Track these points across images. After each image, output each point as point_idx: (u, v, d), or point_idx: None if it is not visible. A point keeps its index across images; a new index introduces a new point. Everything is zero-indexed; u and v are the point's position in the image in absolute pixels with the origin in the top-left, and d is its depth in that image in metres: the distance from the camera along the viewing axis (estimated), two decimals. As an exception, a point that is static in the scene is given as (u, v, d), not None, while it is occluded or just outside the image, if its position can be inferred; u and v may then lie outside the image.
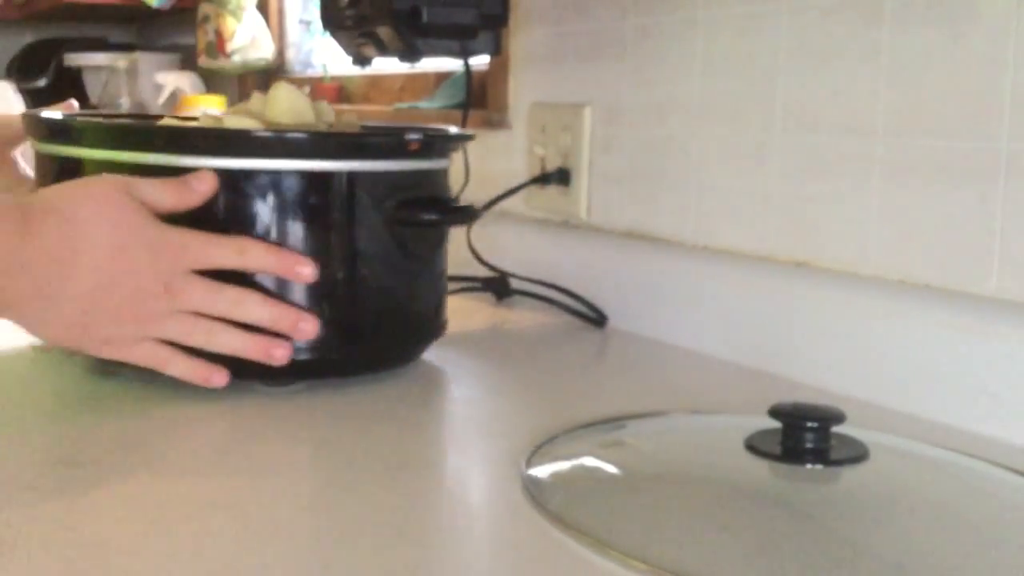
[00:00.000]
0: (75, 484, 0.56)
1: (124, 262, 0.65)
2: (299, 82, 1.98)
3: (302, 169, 0.71)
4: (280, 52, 2.08)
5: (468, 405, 0.74)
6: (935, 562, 0.49)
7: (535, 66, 1.15)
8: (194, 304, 0.67)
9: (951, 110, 0.70)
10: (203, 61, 2.07)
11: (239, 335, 0.69)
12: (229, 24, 1.99)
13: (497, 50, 1.00)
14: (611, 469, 0.59)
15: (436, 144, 0.78)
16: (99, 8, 2.30)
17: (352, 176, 0.73)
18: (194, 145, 0.71)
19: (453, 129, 0.82)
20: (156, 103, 2.19)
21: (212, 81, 2.18)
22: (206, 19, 2.04)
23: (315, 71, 2.01)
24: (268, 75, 2.10)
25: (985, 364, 0.66)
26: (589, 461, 0.60)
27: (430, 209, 0.76)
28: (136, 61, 2.28)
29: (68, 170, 0.73)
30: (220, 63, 2.03)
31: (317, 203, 0.72)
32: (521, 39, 1.16)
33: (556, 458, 0.59)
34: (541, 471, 0.57)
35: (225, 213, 0.70)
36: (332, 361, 0.74)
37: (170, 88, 2.17)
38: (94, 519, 0.51)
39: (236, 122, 0.76)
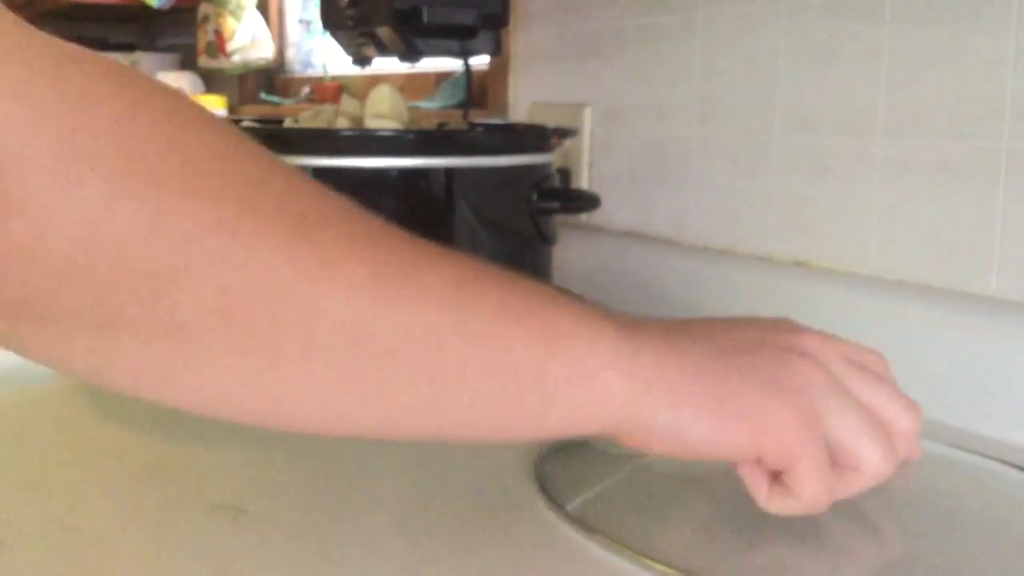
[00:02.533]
0: (75, 484, 0.56)
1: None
2: (299, 82, 1.98)
3: (453, 166, 0.76)
4: (280, 52, 2.08)
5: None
6: (939, 560, 0.49)
7: (535, 66, 1.15)
8: (853, 382, 0.44)
9: (951, 110, 0.70)
10: (203, 61, 2.07)
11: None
12: (229, 24, 1.99)
13: (497, 50, 0.99)
14: (621, 467, 0.59)
15: (560, 138, 0.86)
16: (99, 8, 2.30)
17: (501, 170, 0.79)
18: (349, 147, 0.75)
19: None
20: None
21: (212, 81, 2.18)
22: (206, 19, 2.04)
23: (315, 71, 2.01)
24: (268, 75, 2.10)
25: (985, 364, 0.66)
26: (601, 459, 0.60)
27: (555, 198, 0.82)
28: (136, 61, 2.28)
29: None
30: (220, 63, 2.03)
31: (470, 196, 0.76)
32: (521, 39, 1.16)
33: (569, 456, 0.59)
34: (555, 469, 0.56)
35: (391, 208, 0.74)
36: None
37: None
38: (94, 519, 0.51)
39: (378, 123, 0.80)
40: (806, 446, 0.41)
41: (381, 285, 0.37)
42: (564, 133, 0.86)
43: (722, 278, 0.86)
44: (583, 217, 1.05)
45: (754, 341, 0.44)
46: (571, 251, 1.01)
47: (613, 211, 1.01)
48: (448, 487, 0.57)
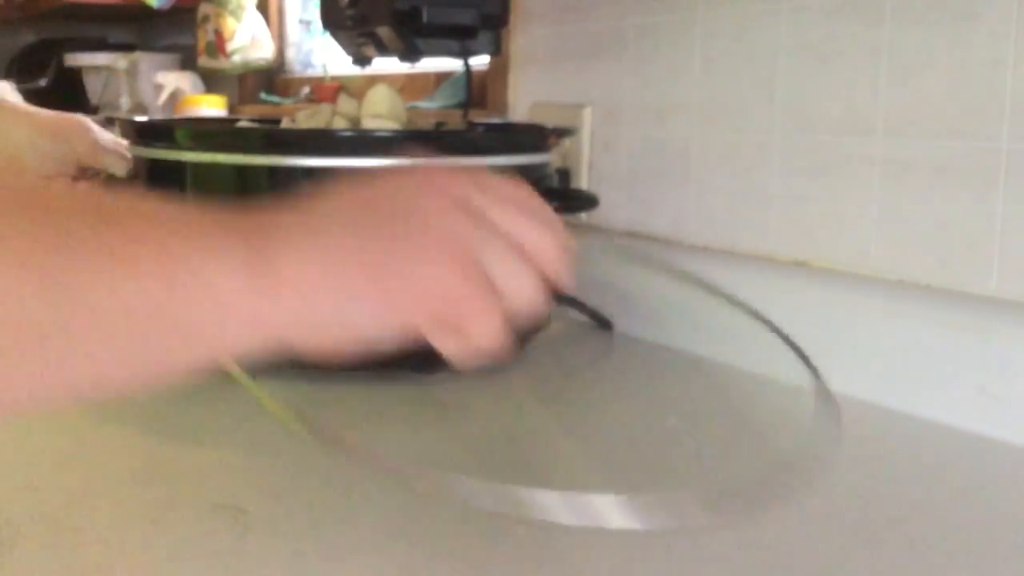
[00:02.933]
0: (75, 484, 0.56)
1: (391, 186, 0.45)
2: (299, 82, 1.98)
3: (452, 166, 0.74)
4: (280, 52, 2.08)
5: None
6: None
7: (535, 66, 1.15)
8: (496, 217, 0.44)
9: (951, 110, 0.70)
10: (203, 61, 2.07)
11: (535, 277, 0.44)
12: (229, 24, 1.99)
13: (497, 50, 0.99)
14: None
15: (557, 137, 0.85)
16: (99, 8, 2.30)
17: (498, 170, 0.77)
18: (343, 147, 0.74)
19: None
20: (156, 103, 2.19)
21: (212, 81, 2.18)
22: (206, 19, 2.04)
23: (315, 71, 2.01)
24: (268, 75, 2.10)
25: (985, 364, 0.66)
26: None
27: (553, 198, 0.79)
28: (136, 61, 2.28)
29: (163, 172, 0.78)
30: (220, 63, 2.03)
31: None
32: (521, 39, 1.16)
33: None
34: None
35: None
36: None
37: (170, 88, 2.17)
38: (94, 519, 0.51)
39: (375, 123, 0.80)
40: (474, 294, 0.41)
41: None
42: (562, 133, 0.86)
43: (722, 278, 0.86)
44: (583, 217, 1.04)
45: (393, 202, 0.42)
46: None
47: (613, 211, 1.01)
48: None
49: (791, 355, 0.68)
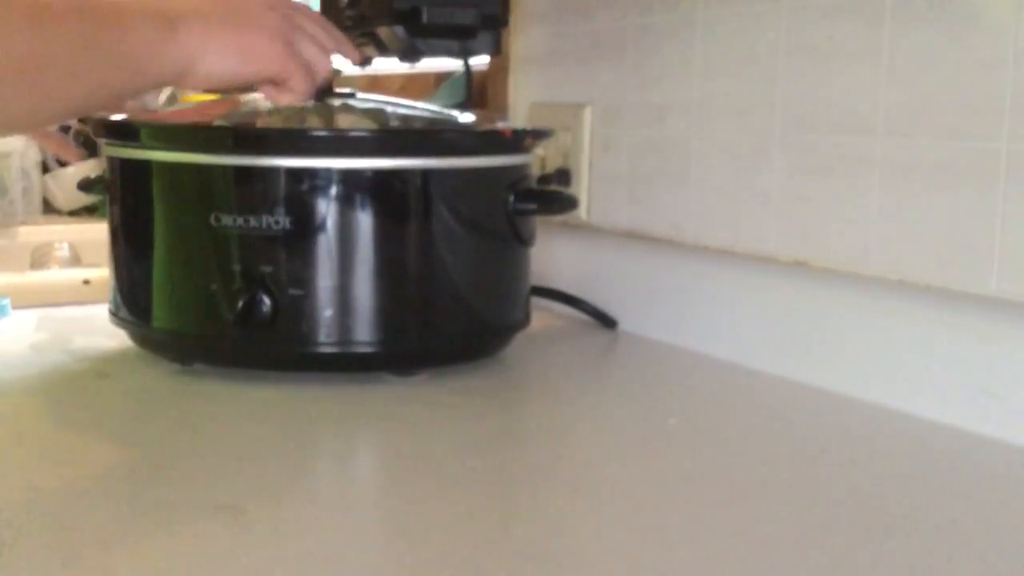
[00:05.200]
0: (75, 484, 0.56)
1: None
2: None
3: (429, 167, 0.75)
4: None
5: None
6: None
7: (535, 66, 1.15)
8: (303, 23, 0.75)
9: (951, 110, 0.70)
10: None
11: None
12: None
13: (497, 50, 0.99)
14: None
15: (535, 139, 0.84)
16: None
17: (476, 172, 0.78)
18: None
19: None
20: (156, 103, 2.19)
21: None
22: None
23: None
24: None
25: (985, 364, 0.66)
26: None
27: (532, 199, 0.81)
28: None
29: (136, 172, 0.77)
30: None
31: (446, 198, 0.75)
32: (521, 39, 1.16)
33: None
34: None
35: (342, 206, 0.73)
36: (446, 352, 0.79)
37: (170, 88, 2.17)
38: (94, 519, 0.51)
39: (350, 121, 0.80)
40: (297, 64, 0.72)
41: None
42: (539, 135, 0.85)
43: (722, 278, 0.86)
44: (583, 216, 1.05)
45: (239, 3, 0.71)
46: (570, 251, 1.01)
47: (613, 211, 1.01)
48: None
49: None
